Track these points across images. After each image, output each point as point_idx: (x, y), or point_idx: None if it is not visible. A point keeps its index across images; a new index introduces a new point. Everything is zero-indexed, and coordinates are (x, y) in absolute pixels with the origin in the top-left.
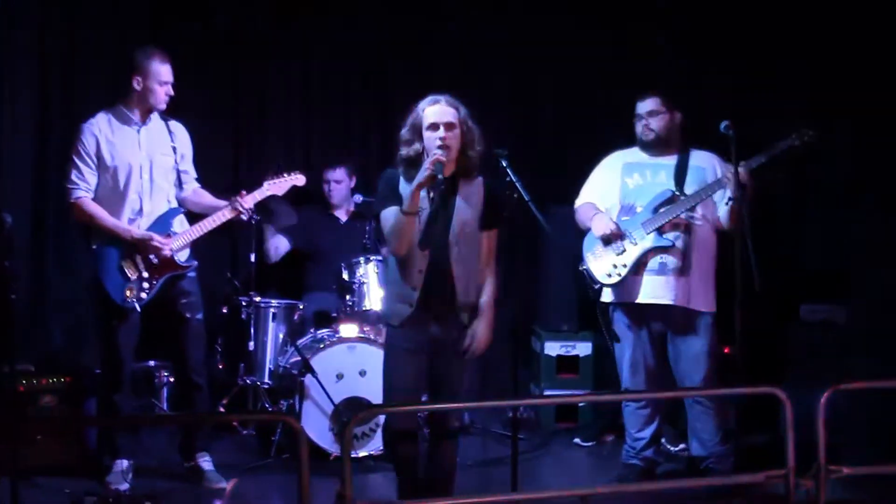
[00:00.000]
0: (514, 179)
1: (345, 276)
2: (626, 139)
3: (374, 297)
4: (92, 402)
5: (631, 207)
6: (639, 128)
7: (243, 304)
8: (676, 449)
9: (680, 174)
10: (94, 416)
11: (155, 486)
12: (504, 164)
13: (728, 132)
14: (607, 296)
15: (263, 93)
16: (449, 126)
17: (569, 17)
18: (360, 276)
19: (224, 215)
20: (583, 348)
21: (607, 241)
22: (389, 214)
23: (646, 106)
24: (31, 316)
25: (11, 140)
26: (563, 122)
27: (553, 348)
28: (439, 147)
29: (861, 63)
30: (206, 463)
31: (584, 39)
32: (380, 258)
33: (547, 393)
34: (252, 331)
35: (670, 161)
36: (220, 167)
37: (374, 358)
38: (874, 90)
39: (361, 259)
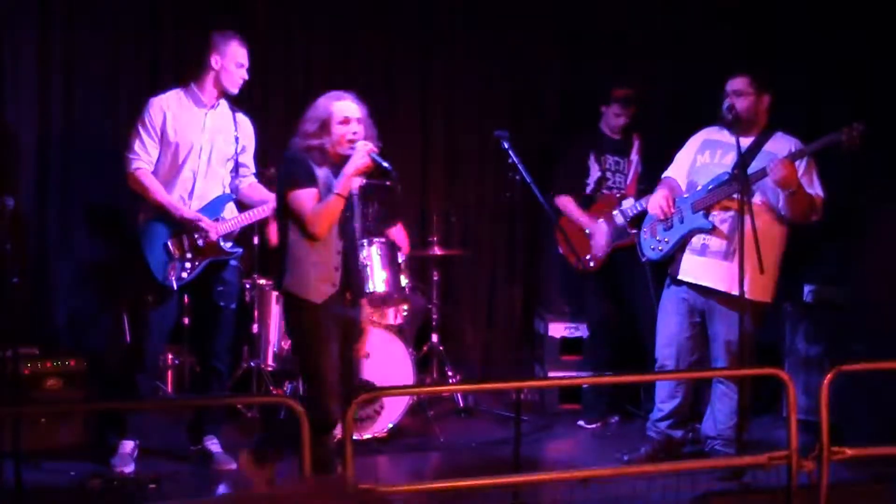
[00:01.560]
0: (516, 161)
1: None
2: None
3: (378, 280)
4: (98, 384)
5: (694, 185)
6: (725, 105)
7: (247, 287)
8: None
9: (748, 156)
10: (99, 400)
11: (160, 468)
12: (506, 146)
13: (728, 114)
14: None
15: (265, 87)
16: (359, 122)
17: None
18: (364, 258)
19: (264, 211)
20: (586, 330)
21: (661, 219)
22: (309, 196)
23: (733, 84)
24: (36, 299)
25: (15, 124)
26: (569, 104)
27: (557, 330)
28: (350, 141)
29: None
30: (214, 445)
31: (590, 18)
32: (382, 240)
33: (551, 375)
34: (256, 314)
35: (745, 143)
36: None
37: (378, 340)
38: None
39: (364, 241)
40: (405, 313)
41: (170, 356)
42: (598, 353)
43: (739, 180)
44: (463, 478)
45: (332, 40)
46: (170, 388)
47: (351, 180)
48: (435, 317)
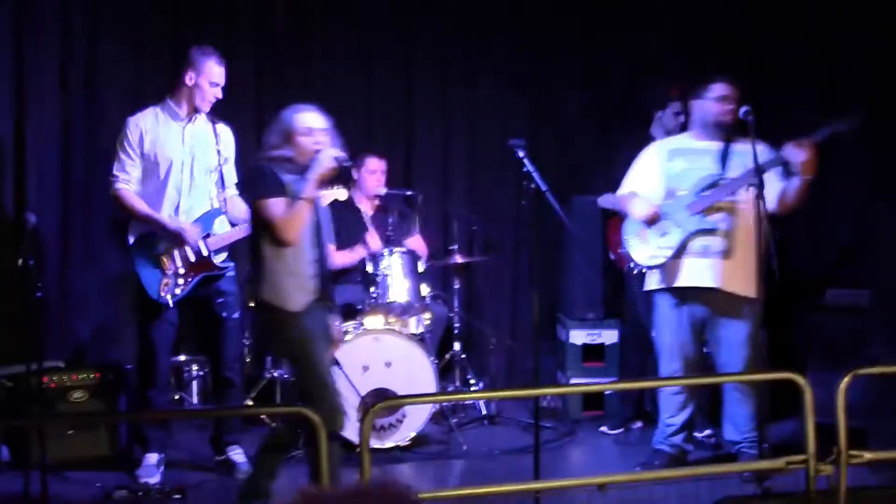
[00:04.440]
0: (531, 170)
1: (369, 268)
2: (648, 128)
3: (399, 289)
4: (123, 397)
5: (674, 192)
6: (714, 108)
7: None
8: (702, 435)
9: (724, 158)
10: (122, 412)
11: (185, 479)
12: (521, 155)
13: (747, 118)
14: (651, 283)
15: (285, 94)
16: (322, 132)
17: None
18: (384, 268)
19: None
20: (608, 336)
21: (650, 222)
22: (280, 203)
23: (727, 90)
24: (60, 313)
25: (37, 140)
26: (585, 112)
27: (578, 336)
28: (317, 150)
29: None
30: (237, 455)
31: (606, 25)
32: (402, 250)
33: (573, 381)
34: None
35: (714, 146)
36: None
37: (399, 349)
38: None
39: (385, 251)
40: (427, 322)
41: (194, 367)
42: (632, 357)
43: (756, 180)
44: (479, 485)
45: (350, 49)
46: (195, 400)
47: (315, 185)
48: (457, 325)
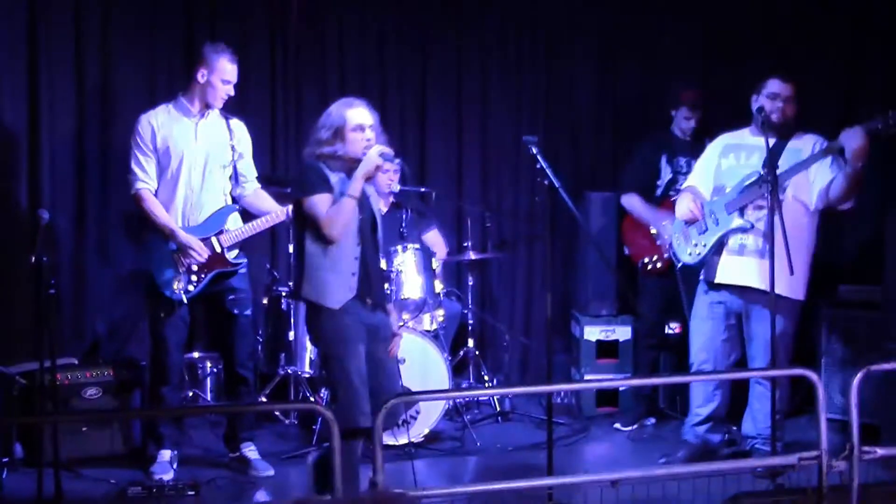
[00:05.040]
0: (545, 166)
1: (383, 265)
2: (665, 125)
3: (412, 286)
4: (138, 393)
5: (721, 188)
6: (769, 106)
7: (283, 294)
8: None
9: (774, 156)
10: (136, 409)
11: (199, 476)
12: (534, 152)
13: (761, 114)
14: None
15: (300, 86)
16: (372, 128)
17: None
18: (398, 265)
19: (275, 218)
20: (622, 333)
21: (690, 221)
22: (324, 200)
23: (782, 89)
24: (75, 310)
25: (52, 137)
26: (601, 108)
27: (592, 333)
28: (367, 147)
29: None
30: (251, 452)
31: (622, 23)
32: (416, 246)
33: (587, 378)
34: (292, 321)
35: (770, 143)
36: (256, 162)
37: (413, 346)
38: None
39: (399, 248)
40: (441, 319)
41: (208, 364)
42: (646, 354)
43: (769, 179)
44: (489, 482)
45: (364, 46)
46: (209, 396)
47: (361, 182)
48: (471, 322)
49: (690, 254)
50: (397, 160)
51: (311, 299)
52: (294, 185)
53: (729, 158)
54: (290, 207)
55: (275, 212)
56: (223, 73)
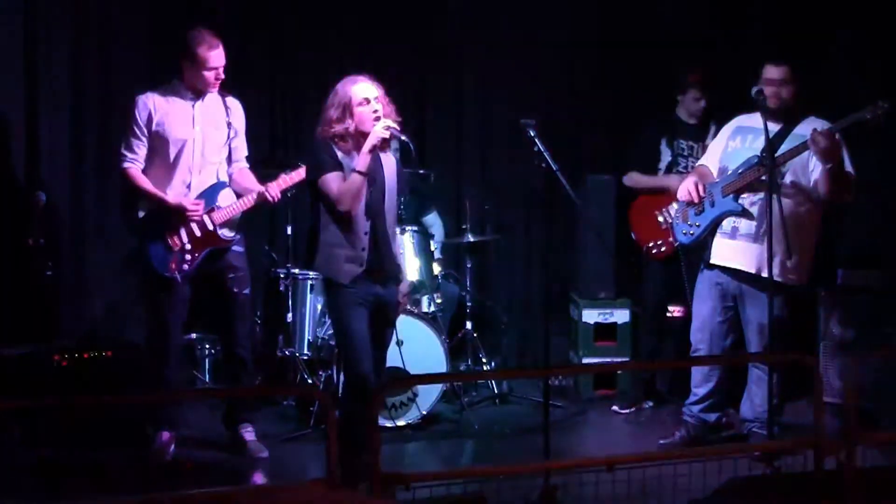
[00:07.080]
0: (542, 149)
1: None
2: (664, 108)
3: (411, 268)
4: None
5: (725, 170)
6: (767, 92)
7: (281, 276)
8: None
9: (777, 140)
10: (134, 390)
11: (196, 457)
12: (532, 135)
13: (759, 98)
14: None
15: (300, 68)
16: (378, 100)
17: None
18: (396, 246)
19: (252, 199)
20: (620, 315)
21: (690, 202)
22: (336, 177)
23: (777, 73)
24: (73, 292)
25: (49, 119)
26: (600, 91)
27: (591, 316)
28: (376, 119)
29: None
30: (248, 433)
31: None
32: (414, 228)
33: (585, 361)
34: (290, 303)
35: (775, 127)
36: (255, 143)
37: (411, 328)
38: None
39: (397, 230)
40: (439, 301)
41: (206, 345)
42: (647, 339)
43: (767, 163)
44: (496, 464)
45: (363, 27)
46: (207, 377)
47: (368, 157)
48: (469, 304)
49: (685, 234)
50: (403, 137)
51: (323, 273)
52: (307, 165)
53: (736, 140)
54: (275, 186)
55: (257, 191)
56: (205, 62)
